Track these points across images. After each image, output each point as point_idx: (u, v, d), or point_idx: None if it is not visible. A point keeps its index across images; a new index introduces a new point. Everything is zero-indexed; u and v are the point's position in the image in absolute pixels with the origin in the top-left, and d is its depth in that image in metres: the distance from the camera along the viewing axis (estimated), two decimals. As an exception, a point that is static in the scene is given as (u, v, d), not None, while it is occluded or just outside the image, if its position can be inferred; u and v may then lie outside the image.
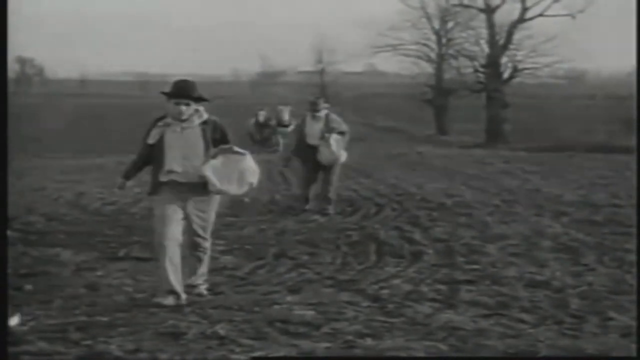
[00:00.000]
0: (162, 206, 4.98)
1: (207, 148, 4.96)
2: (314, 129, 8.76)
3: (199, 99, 4.97)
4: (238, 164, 4.92)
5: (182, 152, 4.92)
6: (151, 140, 4.95)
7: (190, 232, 5.06)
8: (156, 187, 5.01)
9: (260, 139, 20.89)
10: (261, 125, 21.11)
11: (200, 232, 5.08)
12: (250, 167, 4.96)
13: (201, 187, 4.94)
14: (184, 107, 4.88)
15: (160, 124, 4.96)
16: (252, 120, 21.44)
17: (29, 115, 27.39)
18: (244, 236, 7.44)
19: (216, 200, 5.11)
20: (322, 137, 8.62)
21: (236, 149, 4.95)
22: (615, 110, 24.13)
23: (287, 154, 9.49)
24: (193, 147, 4.94)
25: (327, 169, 8.76)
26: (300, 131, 8.98)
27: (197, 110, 4.97)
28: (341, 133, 8.73)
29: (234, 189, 4.94)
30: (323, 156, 8.61)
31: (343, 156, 8.72)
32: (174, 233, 4.93)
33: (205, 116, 5.00)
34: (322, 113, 8.80)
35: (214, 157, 4.89)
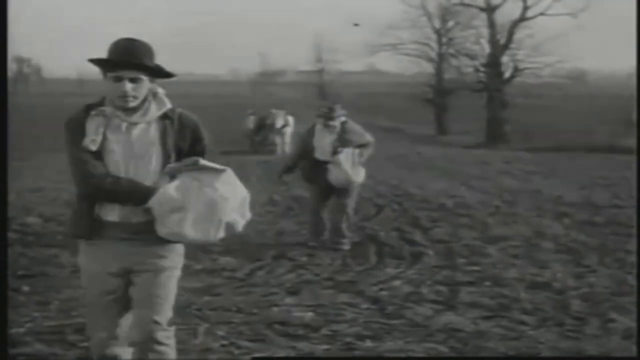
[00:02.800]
0: (89, 268, 3.02)
1: (166, 161, 2.88)
2: (324, 142, 6.87)
3: (155, 72, 2.89)
4: (213, 190, 2.79)
5: (125, 167, 2.85)
6: (93, 144, 2.84)
7: (138, 311, 2.97)
8: (81, 228, 2.95)
9: (258, 140, 20.91)
10: (255, 129, 21.13)
11: (155, 310, 2.95)
12: (237, 194, 2.84)
13: (152, 231, 2.86)
14: (129, 85, 2.80)
15: (94, 113, 2.87)
16: (246, 121, 21.39)
17: (27, 114, 27.39)
18: (243, 237, 7.40)
19: (177, 253, 3.01)
20: (334, 152, 6.79)
21: (208, 163, 2.83)
22: (616, 110, 24.11)
23: (290, 161, 7.28)
24: (143, 160, 2.87)
25: (340, 192, 6.87)
26: (306, 143, 7.01)
27: (154, 94, 2.92)
28: (361, 146, 6.89)
29: (208, 232, 2.80)
30: (332, 176, 6.76)
31: (360, 176, 6.86)
32: (108, 324, 3.01)
33: (168, 105, 2.94)
34: (337, 122, 6.88)
35: (172, 176, 2.84)
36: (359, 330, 4.46)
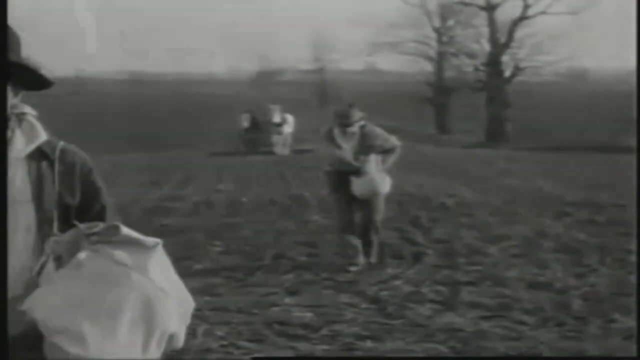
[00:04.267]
0: None
1: (45, 228, 1.67)
2: (344, 149, 6.11)
3: (25, 79, 1.71)
4: (146, 278, 1.55)
5: None
6: None
7: None
8: None
9: (252, 141, 19.00)
10: (250, 128, 20.04)
11: None
12: (175, 283, 1.63)
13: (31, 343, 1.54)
14: None
15: None
16: (240, 119, 19.73)
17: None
18: (243, 237, 7.39)
19: None
20: (356, 160, 6.02)
21: (132, 233, 1.61)
22: (617, 109, 24.11)
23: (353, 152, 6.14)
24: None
25: (365, 202, 6.14)
26: (331, 142, 6.20)
27: (20, 117, 1.75)
28: (386, 151, 6.16)
29: (147, 350, 1.55)
30: (356, 187, 6.00)
31: (385, 185, 6.11)
32: None
33: (43, 137, 1.74)
34: (355, 127, 6.06)
35: (57, 257, 1.59)
36: (359, 330, 4.45)
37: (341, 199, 6.14)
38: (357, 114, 6.08)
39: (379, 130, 6.21)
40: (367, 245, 6.17)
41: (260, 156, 17.20)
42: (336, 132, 6.15)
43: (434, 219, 8.39)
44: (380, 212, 6.22)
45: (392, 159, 6.17)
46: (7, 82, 1.60)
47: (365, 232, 6.16)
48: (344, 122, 6.05)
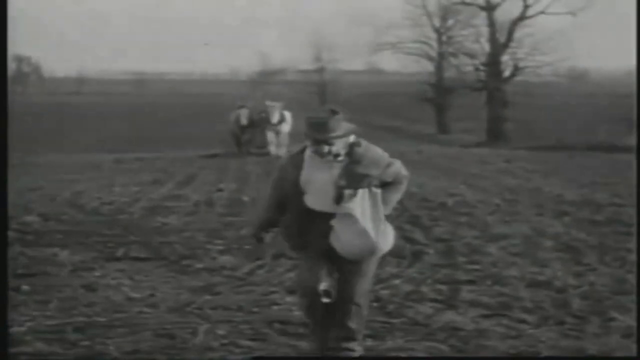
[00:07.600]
0: None
1: None
2: (320, 180, 3.71)
3: None
4: None
5: None
6: None
7: None
8: None
9: (246, 140, 17.50)
10: (245, 127, 17.41)
11: None
12: None
13: None
14: None
15: None
16: (233, 116, 17.73)
17: (26, 114, 27.38)
18: (243, 236, 7.40)
19: None
20: (339, 198, 3.68)
21: None
22: (617, 109, 24.11)
23: (266, 212, 3.99)
24: None
25: (348, 266, 3.78)
26: (288, 181, 3.81)
27: None
28: (386, 185, 3.78)
29: None
30: (340, 241, 3.70)
31: (387, 239, 3.76)
32: None
33: None
34: (340, 145, 3.68)
35: None
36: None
37: (309, 259, 3.79)
38: (341, 126, 3.67)
39: (376, 153, 3.80)
40: (343, 330, 3.84)
41: (254, 157, 16.63)
42: (308, 154, 3.77)
43: (434, 218, 8.40)
44: (367, 281, 3.86)
45: (395, 196, 3.83)
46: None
47: (342, 313, 3.82)
48: (320, 137, 3.66)
